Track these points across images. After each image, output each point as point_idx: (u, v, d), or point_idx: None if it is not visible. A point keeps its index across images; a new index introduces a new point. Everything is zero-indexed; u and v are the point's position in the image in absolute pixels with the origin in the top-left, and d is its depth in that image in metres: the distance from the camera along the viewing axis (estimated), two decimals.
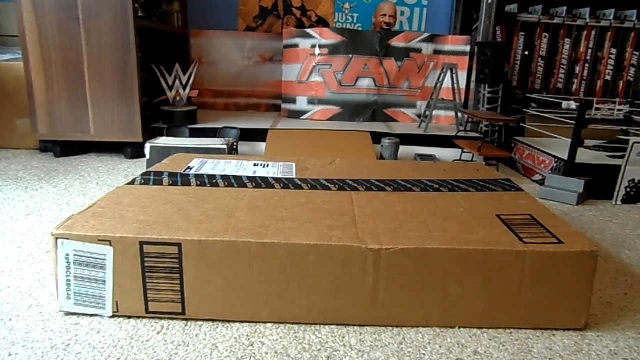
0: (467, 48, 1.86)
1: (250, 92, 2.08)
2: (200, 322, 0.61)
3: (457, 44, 1.86)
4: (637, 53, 1.96)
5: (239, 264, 0.59)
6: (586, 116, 1.19)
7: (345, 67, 1.77)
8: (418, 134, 1.61)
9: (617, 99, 1.86)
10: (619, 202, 1.25)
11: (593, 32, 1.93)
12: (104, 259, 0.59)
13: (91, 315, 0.61)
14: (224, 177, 0.84)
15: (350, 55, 1.76)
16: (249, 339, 0.58)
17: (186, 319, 0.61)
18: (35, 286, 0.69)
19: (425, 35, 1.82)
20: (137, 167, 1.43)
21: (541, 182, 1.38)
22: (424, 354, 0.57)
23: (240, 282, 0.60)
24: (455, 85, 1.68)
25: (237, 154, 1.44)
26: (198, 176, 0.84)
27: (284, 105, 1.93)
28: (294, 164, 0.96)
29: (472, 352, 0.57)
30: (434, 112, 1.84)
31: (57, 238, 0.59)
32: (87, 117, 1.47)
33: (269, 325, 0.61)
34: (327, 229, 0.62)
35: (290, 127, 1.63)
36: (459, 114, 1.75)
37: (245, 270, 0.59)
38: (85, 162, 1.46)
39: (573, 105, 1.52)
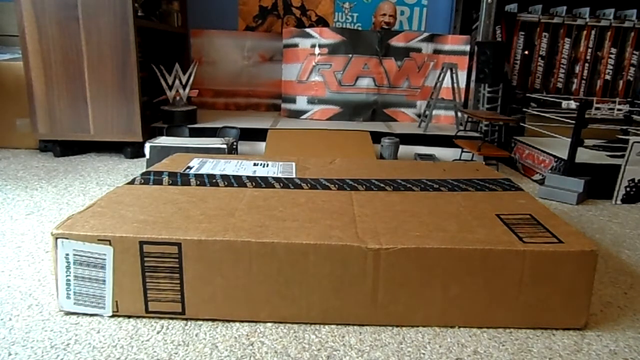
0: (467, 48, 1.86)
1: (250, 92, 2.08)
2: (200, 322, 0.61)
3: (457, 43, 1.86)
4: (637, 53, 1.96)
5: (239, 264, 0.59)
6: (586, 116, 1.19)
7: (345, 66, 1.77)
8: (418, 133, 1.61)
9: (617, 99, 1.86)
10: (619, 202, 1.25)
11: (593, 32, 1.93)
12: (104, 259, 0.59)
13: (91, 315, 0.61)
14: (224, 177, 0.84)
15: (350, 55, 1.76)
16: (249, 338, 0.58)
17: (186, 319, 0.61)
18: (35, 286, 0.69)
19: (425, 35, 1.81)
20: (137, 167, 1.43)
21: (541, 182, 1.38)
22: (424, 354, 0.57)
23: (240, 282, 0.60)
24: (455, 85, 1.67)
25: (237, 153, 1.44)
26: (198, 176, 0.84)
27: (284, 105, 1.93)
28: (294, 163, 0.96)
29: (472, 352, 0.57)
30: (434, 112, 1.84)
31: (57, 238, 0.59)
32: (87, 117, 1.47)
33: (269, 325, 0.61)
34: (327, 229, 0.62)
35: (290, 127, 1.63)
36: (459, 114, 1.75)
37: (245, 270, 0.59)
38: (85, 162, 1.46)
39: (573, 105, 1.52)
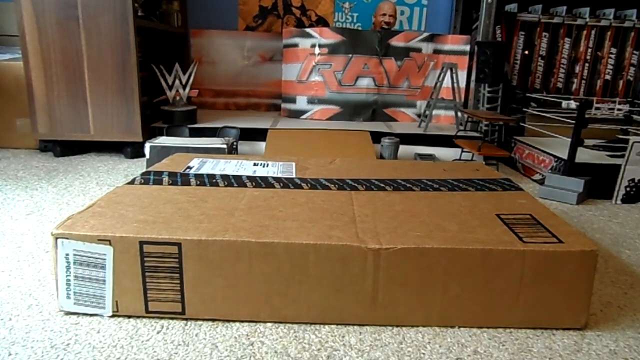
0: (467, 48, 1.86)
1: (250, 92, 2.08)
2: (200, 322, 0.61)
3: (457, 43, 1.86)
4: (637, 53, 1.96)
5: (239, 264, 0.59)
6: (586, 116, 1.19)
7: (345, 66, 1.77)
8: (418, 133, 1.61)
9: (617, 99, 1.86)
10: (619, 202, 1.25)
11: (593, 32, 1.93)
12: (104, 259, 0.59)
13: (91, 315, 0.61)
14: (224, 177, 0.84)
15: (350, 55, 1.76)
16: (249, 338, 0.58)
17: (186, 319, 0.61)
18: (35, 286, 0.69)
19: (425, 34, 1.81)
20: (137, 167, 1.43)
21: (541, 182, 1.38)
22: (424, 353, 0.57)
23: (240, 282, 0.60)
24: (455, 85, 1.67)
25: (237, 153, 1.44)
26: (198, 176, 0.84)
27: (284, 105, 1.93)
28: (294, 163, 0.96)
29: (472, 352, 0.57)
30: (434, 112, 1.84)
31: (57, 238, 0.59)
32: (87, 117, 1.47)
33: (269, 325, 0.61)
34: (327, 229, 0.62)
35: (290, 127, 1.63)
36: (459, 114, 1.75)
37: (245, 270, 0.59)
38: (85, 162, 1.46)
39: (573, 104, 1.52)
